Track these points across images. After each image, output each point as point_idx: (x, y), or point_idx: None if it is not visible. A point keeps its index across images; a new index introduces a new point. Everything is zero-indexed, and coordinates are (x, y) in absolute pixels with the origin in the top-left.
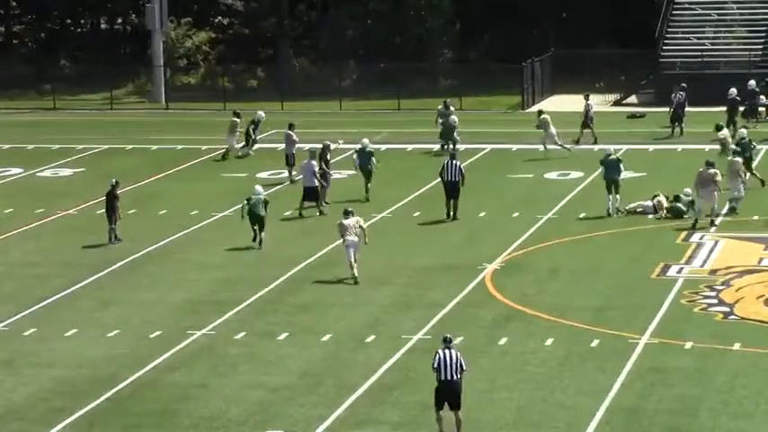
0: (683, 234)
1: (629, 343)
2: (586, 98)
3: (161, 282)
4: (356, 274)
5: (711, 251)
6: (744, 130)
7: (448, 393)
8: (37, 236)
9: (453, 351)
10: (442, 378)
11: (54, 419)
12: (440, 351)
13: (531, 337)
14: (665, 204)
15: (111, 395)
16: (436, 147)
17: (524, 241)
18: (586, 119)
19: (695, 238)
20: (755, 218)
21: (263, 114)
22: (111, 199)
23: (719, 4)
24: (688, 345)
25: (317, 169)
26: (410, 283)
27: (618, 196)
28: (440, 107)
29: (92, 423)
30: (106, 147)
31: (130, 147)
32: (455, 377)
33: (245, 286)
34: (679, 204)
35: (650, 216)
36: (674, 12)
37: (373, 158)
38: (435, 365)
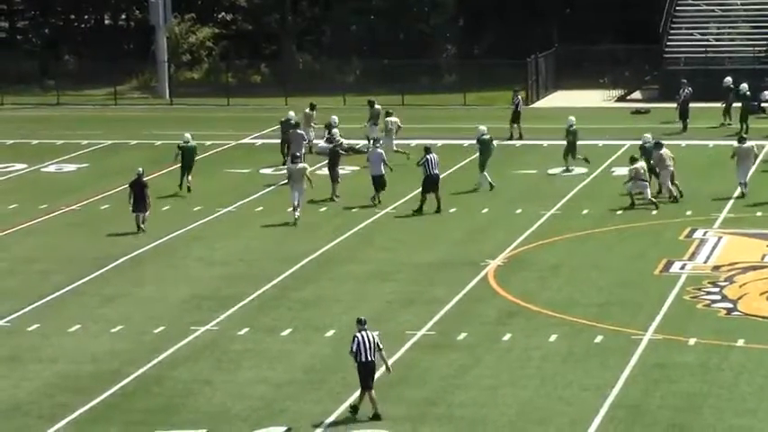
0: (687, 230)
1: (632, 339)
2: (516, 93)
3: (165, 277)
4: (297, 217)
5: (715, 247)
6: (572, 118)
7: (366, 374)
8: (41, 231)
9: (370, 333)
10: (363, 360)
11: (58, 415)
12: (357, 334)
13: (534, 333)
14: (644, 171)
15: (114, 391)
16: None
17: (527, 237)
18: (515, 113)
19: (698, 234)
20: (759, 214)
21: (336, 119)
22: (141, 188)
23: (723, 0)
24: (691, 341)
25: (386, 158)
26: (413, 280)
27: (486, 173)
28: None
29: (95, 418)
30: (110, 142)
31: (134, 142)
32: (372, 358)
33: (249, 282)
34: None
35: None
36: (677, 7)
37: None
38: (354, 349)
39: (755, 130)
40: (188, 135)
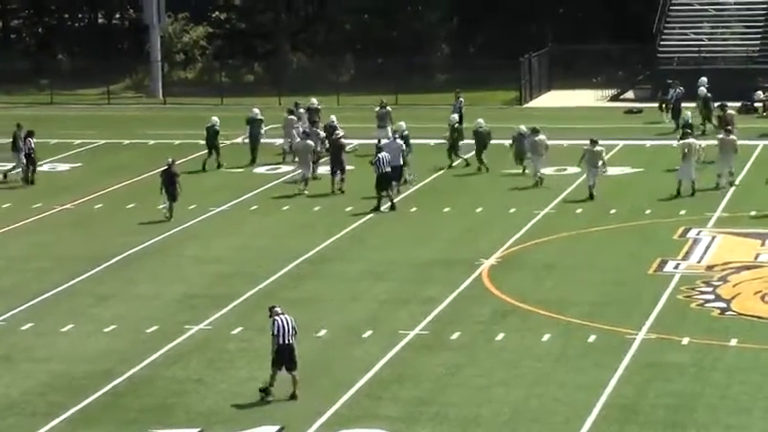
0: (680, 230)
1: (625, 338)
2: (457, 95)
3: (158, 276)
4: (303, 188)
5: (708, 247)
6: (455, 116)
7: (286, 356)
8: (35, 230)
9: (287, 317)
10: (281, 342)
11: (51, 414)
12: (276, 318)
13: (527, 332)
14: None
15: (107, 390)
16: (434, 141)
17: (521, 236)
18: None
19: (692, 233)
20: (752, 213)
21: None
22: (172, 177)
23: (717, 0)
24: (685, 340)
25: (404, 148)
26: (407, 279)
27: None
28: (378, 109)
29: (89, 418)
30: (103, 142)
31: (128, 141)
32: (291, 341)
33: (242, 281)
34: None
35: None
36: (671, 7)
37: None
38: (275, 332)
39: (753, 130)
40: (215, 118)
